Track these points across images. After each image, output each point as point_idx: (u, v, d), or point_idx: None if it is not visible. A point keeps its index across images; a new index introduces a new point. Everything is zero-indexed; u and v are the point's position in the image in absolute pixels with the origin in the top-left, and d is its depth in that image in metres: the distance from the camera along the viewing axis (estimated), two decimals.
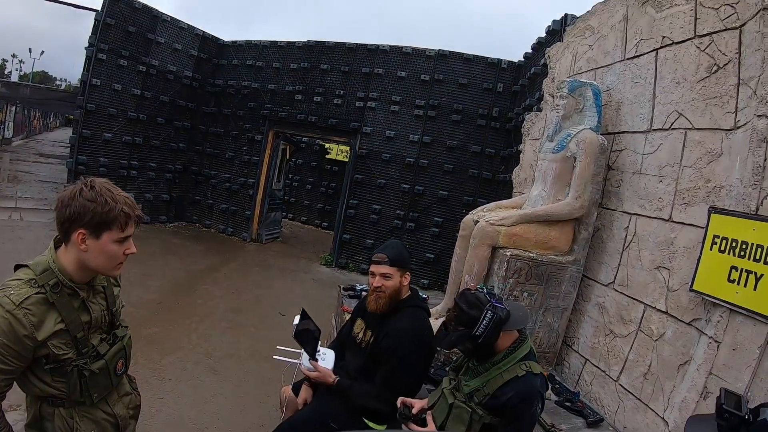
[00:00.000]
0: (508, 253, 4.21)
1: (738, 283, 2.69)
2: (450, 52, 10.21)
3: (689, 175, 3.33)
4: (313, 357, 3.27)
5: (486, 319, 2.40)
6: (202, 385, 5.35)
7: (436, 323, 4.40)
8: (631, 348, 3.62)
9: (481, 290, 2.53)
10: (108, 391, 2.17)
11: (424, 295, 3.44)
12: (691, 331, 3.06)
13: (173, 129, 12.33)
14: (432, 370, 3.18)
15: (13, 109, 25.53)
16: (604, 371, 3.90)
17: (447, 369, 3.17)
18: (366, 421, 3.11)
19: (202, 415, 4.78)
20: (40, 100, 23.81)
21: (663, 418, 3.14)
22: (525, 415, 2.38)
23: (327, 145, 14.90)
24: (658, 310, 3.38)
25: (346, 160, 13.22)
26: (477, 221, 4.57)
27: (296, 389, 3.50)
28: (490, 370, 2.49)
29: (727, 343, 2.72)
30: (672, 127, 3.56)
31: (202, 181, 12.94)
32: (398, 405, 2.74)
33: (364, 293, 5.86)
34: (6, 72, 55.31)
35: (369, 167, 10.61)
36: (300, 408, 3.37)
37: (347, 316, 4.98)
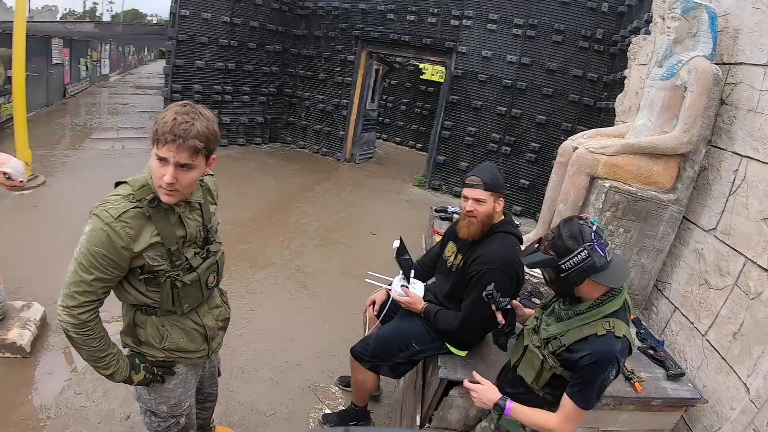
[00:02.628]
0: (607, 185, 3.99)
1: None
2: None
3: None
4: (407, 284, 3.36)
5: (578, 257, 2.12)
6: (292, 299, 5.63)
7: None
8: (724, 303, 3.37)
9: (590, 225, 2.22)
10: (198, 302, 2.32)
11: (516, 222, 3.29)
12: None
13: (265, 53, 12.35)
14: (518, 299, 3.02)
15: (108, 47, 26.53)
16: (692, 323, 3.68)
17: (533, 299, 3.06)
18: (448, 345, 3.15)
19: (290, 327, 5.04)
20: (132, 36, 24.58)
21: (745, 384, 2.96)
22: (594, 380, 2.16)
23: (421, 66, 14.44)
24: (759, 266, 3.09)
25: (441, 80, 12.86)
26: (576, 148, 4.34)
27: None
28: (572, 318, 2.28)
29: None
30: None
31: (296, 102, 13.05)
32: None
33: (455, 216, 5.85)
34: (97, 14, 57.74)
35: (465, 88, 10.23)
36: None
37: (437, 238, 4.95)
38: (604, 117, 8.35)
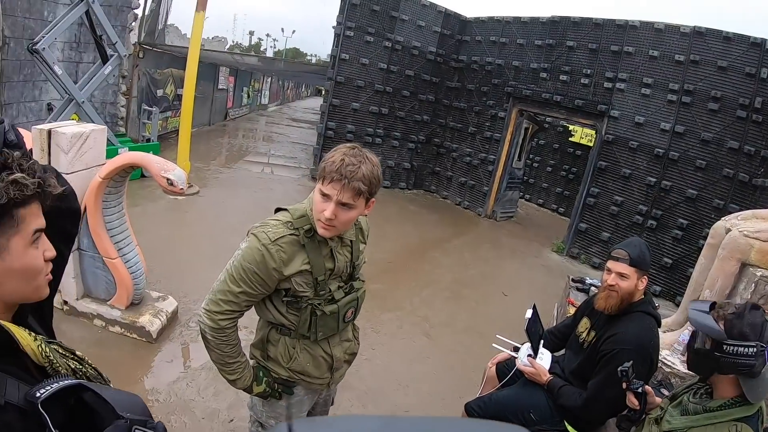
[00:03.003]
0: (758, 274, 3.75)
1: None
2: (707, 29, 8.84)
3: None
4: (534, 355, 3.30)
5: (746, 350, 1.94)
6: (414, 345, 5.69)
7: (664, 336, 4.09)
8: None
9: None
10: (332, 333, 2.38)
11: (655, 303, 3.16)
12: None
13: (417, 101, 12.78)
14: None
15: (269, 79, 29.32)
16: None
17: (661, 390, 2.90)
18: (566, 423, 3.07)
19: (406, 372, 5.08)
20: (292, 73, 26.01)
21: None
22: None
23: (571, 127, 14.16)
24: None
25: (590, 144, 12.56)
26: (729, 230, 4.10)
27: (500, 372, 3.56)
28: (700, 414, 2.13)
29: None
30: None
31: (444, 153, 13.30)
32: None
33: (593, 288, 5.70)
34: (262, 49, 62.79)
35: (614, 154, 9.88)
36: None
37: (571, 309, 4.81)
38: (760, 196, 7.80)
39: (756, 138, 8.45)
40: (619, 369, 2.44)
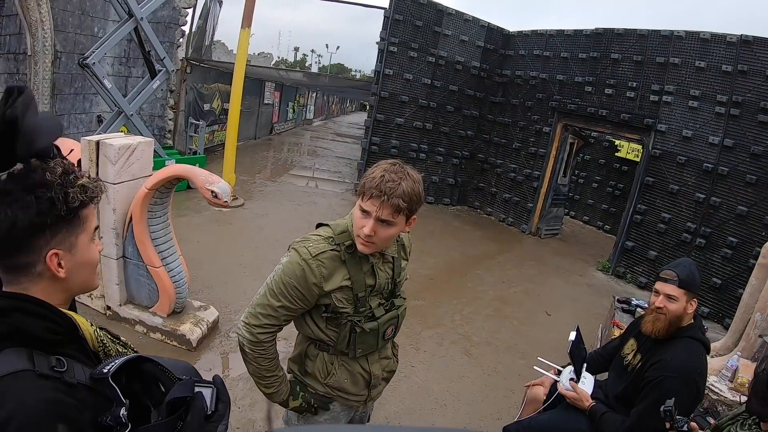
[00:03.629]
0: None
1: None
2: (754, 37, 8.52)
3: None
4: (577, 379, 3.24)
5: None
6: (453, 364, 5.62)
7: (712, 362, 3.97)
8: None
9: None
10: (372, 350, 2.38)
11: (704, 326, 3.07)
12: None
13: (462, 117, 12.82)
14: (693, 415, 2.79)
15: (314, 95, 29.86)
16: None
17: (707, 418, 2.81)
18: None
19: (445, 391, 5.03)
20: (337, 88, 26.45)
21: None
22: None
23: (617, 142, 13.89)
24: None
25: (637, 159, 12.27)
26: None
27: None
28: None
29: None
30: None
31: (488, 169, 13.24)
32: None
33: (639, 309, 5.58)
34: (306, 65, 63.14)
35: (662, 170, 9.63)
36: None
37: (616, 331, 4.72)
38: None
39: None
40: (662, 409, 2.38)
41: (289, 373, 2.48)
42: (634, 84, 10.13)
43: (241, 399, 4.17)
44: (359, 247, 2.11)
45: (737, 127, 8.73)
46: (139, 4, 8.41)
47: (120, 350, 1.43)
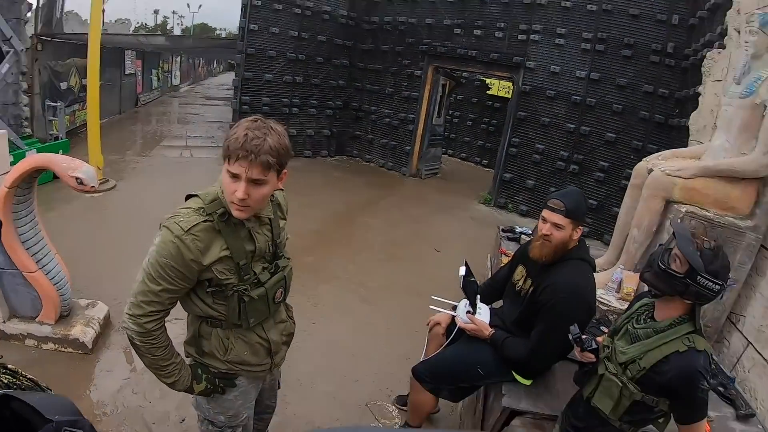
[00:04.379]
0: (683, 210, 3.84)
1: None
2: None
3: None
4: (473, 311, 3.26)
5: (714, 286, 2.03)
6: (354, 314, 5.62)
7: (598, 276, 4.16)
8: None
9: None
10: (265, 317, 2.29)
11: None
12: None
13: (332, 67, 12.60)
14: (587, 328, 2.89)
15: (178, 59, 28.01)
16: (766, 360, 3.42)
17: (601, 328, 2.94)
18: (514, 373, 3.07)
19: (350, 342, 5.05)
20: (202, 49, 25.45)
21: None
22: (693, 397, 2.08)
23: (488, 81, 14.26)
24: None
25: (509, 96, 12.68)
26: (651, 170, 4.19)
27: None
28: (651, 338, 2.20)
29: None
30: None
31: (363, 116, 13.15)
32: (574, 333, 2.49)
33: (523, 236, 5.77)
34: (168, 28, 60.80)
35: (533, 104, 9.99)
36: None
37: (504, 259, 4.83)
38: (676, 135, 7.96)
39: (669, 81, 8.70)
40: (571, 338, 2.45)
41: (187, 357, 2.35)
42: (502, 24, 10.35)
43: (150, 392, 3.91)
44: (234, 213, 1.99)
45: (603, 61, 9.23)
46: None
47: (6, 381, 1.26)
